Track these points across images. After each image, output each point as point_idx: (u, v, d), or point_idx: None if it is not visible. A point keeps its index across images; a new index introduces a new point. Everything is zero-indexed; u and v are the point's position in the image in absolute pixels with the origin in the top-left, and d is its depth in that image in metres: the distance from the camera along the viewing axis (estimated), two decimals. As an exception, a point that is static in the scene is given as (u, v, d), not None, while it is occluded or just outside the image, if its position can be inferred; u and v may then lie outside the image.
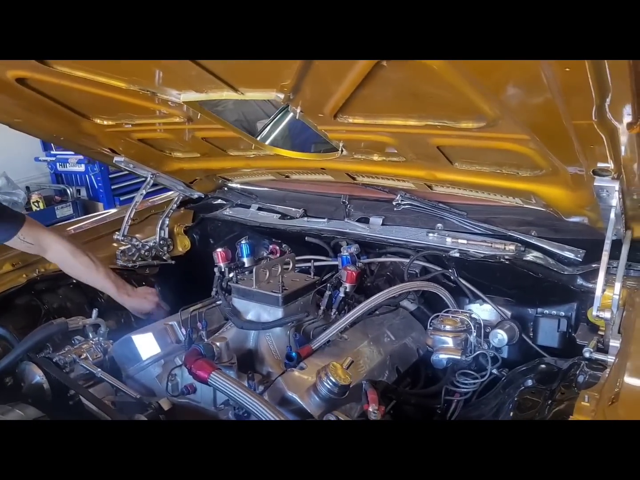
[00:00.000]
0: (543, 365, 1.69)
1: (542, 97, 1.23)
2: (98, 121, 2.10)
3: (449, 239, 2.19)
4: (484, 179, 1.93)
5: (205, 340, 1.84)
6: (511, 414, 1.49)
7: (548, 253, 2.04)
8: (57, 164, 7.02)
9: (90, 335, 2.01)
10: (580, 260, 1.98)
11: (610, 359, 1.48)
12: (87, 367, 1.86)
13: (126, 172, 2.70)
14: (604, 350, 1.54)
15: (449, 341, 1.92)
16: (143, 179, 2.61)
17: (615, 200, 1.60)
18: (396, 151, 1.90)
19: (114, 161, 2.45)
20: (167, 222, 2.74)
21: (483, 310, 2.14)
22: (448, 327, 1.94)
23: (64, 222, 2.90)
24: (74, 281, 2.34)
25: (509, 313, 2.11)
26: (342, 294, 2.04)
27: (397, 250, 2.33)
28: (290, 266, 2.08)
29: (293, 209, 2.64)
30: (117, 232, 2.54)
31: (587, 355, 1.52)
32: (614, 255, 1.73)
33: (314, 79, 1.43)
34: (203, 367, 1.56)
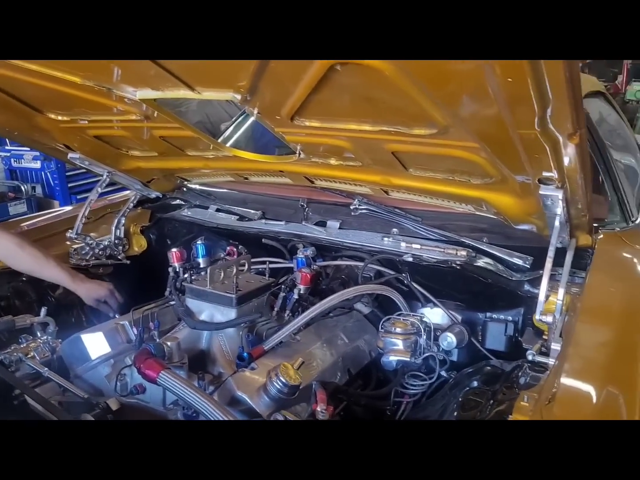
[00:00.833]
0: (489, 368, 1.73)
1: (489, 107, 1.28)
2: (52, 116, 2.06)
3: (403, 244, 2.22)
4: (437, 185, 1.98)
5: (157, 340, 1.82)
6: (455, 413, 1.53)
7: (498, 259, 2.09)
8: (12, 159, 6.79)
9: (39, 334, 1.96)
10: (528, 266, 2.04)
11: (551, 361, 1.53)
12: (34, 366, 1.81)
13: (83, 169, 2.65)
14: (547, 353, 1.59)
15: (399, 343, 1.95)
16: (100, 177, 2.57)
17: (559, 209, 1.66)
18: (353, 156, 1.92)
19: (68, 158, 2.41)
20: (123, 222, 2.69)
21: (434, 314, 2.17)
22: (398, 330, 1.97)
23: (16, 219, 2.82)
24: (24, 278, 2.27)
25: (459, 317, 2.15)
26: (296, 296, 2.05)
27: (352, 253, 2.36)
28: (246, 268, 2.08)
29: (251, 211, 2.63)
30: (70, 230, 2.48)
31: (530, 357, 1.57)
32: (560, 262, 1.80)
33: (270, 80, 1.44)
34: (152, 367, 1.54)
